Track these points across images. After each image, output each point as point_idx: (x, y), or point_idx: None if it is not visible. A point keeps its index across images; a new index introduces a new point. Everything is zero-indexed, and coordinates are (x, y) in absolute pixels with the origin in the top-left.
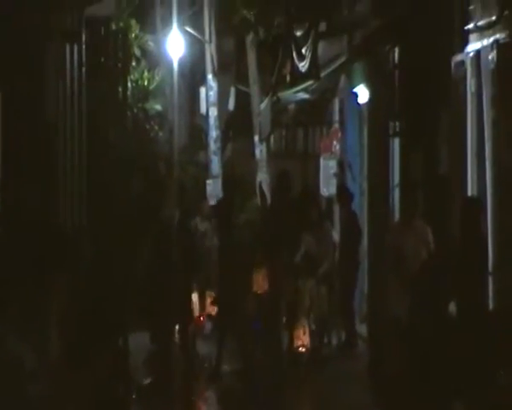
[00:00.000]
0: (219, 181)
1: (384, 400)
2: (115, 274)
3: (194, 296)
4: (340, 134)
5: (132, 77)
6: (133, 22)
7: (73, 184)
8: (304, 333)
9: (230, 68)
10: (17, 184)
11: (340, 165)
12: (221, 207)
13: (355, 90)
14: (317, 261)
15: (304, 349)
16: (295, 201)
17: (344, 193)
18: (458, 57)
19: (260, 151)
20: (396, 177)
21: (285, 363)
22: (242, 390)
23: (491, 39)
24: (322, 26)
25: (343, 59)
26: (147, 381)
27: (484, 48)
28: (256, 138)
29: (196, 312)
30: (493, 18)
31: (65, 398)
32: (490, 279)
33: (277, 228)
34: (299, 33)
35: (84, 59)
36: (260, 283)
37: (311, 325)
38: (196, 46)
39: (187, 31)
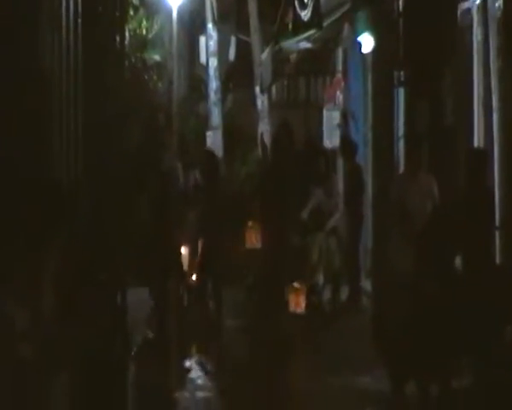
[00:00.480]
0: (220, 132)
1: (388, 356)
2: (112, 229)
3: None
4: (343, 84)
5: (130, 26)
6: None
7: (69, 137)
8: (305, 290)
9: (231, 17)
10: (11, 137)
11: (344, 116)
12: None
13: (359, 39)
14: (326, 214)
15: (304, 307)
16: (301, 152)
17: (348, 145)
18: (465, 5)
19: (262, 102)
20: (401, 128)
21: (285, 321)
22: (242, 346)
23: None
24: None
25: (346, 7)
26: (145, 337)
27: None
28: (257, 89)
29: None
30: None
31: (60, 357)
32: (496, 233)
33: (281, 181)
34: None
35: (80, 8)
36: (257, 238)
37: (319, 280)
38: None
39: None
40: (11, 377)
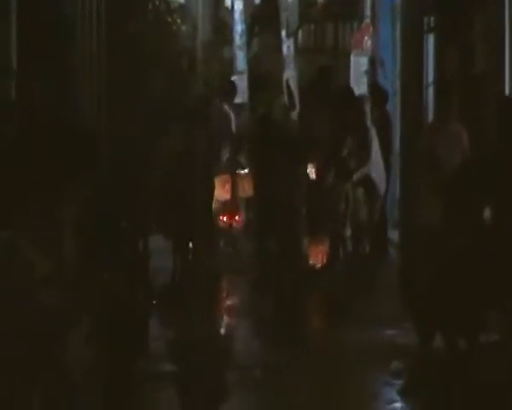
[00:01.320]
0: (245, 77)
1: (415, 309)
2: (135, 176)
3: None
4: (371, 29)
5: None
6: None
7: (92, 82)
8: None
9: None
10: (34, 82)
11: (372, 62)
12: None
13: None
14: (355, 164)
15: (326, 259)
16: (335, 99)
17: (379, 92)
18: None
19: (288, 47)
20: (430, 75)
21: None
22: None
23: None
24: None
25: None
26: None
27: None
28: (283, 33)
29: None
30: None
31: (81, 303)
32: None
33: (310, 128)
34: None
35: None
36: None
37: (346, 231)
38: None
39: None
40: (33, 322)
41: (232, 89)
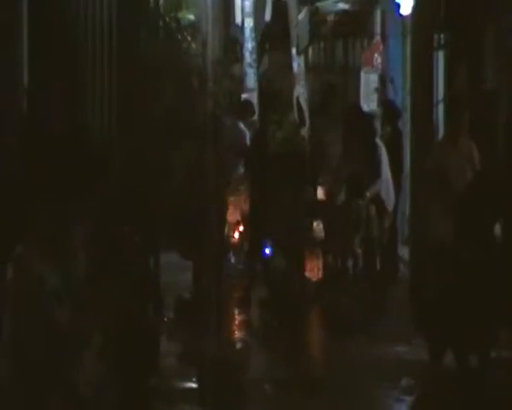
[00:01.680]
0: (255, 95)
1: (426, 325)
2: (146, 191)
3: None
4: (381, 47)
5: None
6: None
7: (102, 97)
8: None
9: None
10: (45, 97)
11: (382, 79)
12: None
13: (397, 0)
14: (367, 181)
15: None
16: (345, 116)
17: (392, 109)
18: None
19: (298, 64)
20: (440, 92)
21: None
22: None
23: None
24: None
25: None
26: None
27: None
28: (293, 51)
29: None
30: None
31: (91, 319)
32: None
33: (320, 146)
34: None
35: None
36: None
37: (357, 248)
38: None
39: None
40: (43, 337)
41: (250, 108)
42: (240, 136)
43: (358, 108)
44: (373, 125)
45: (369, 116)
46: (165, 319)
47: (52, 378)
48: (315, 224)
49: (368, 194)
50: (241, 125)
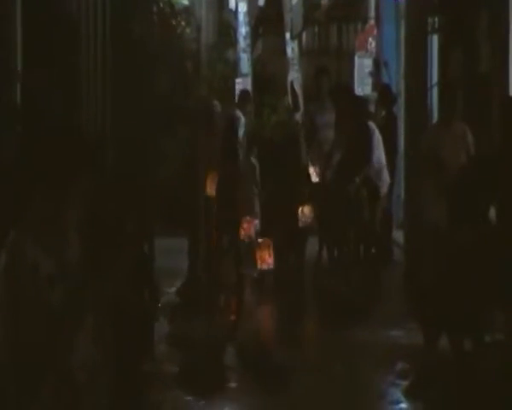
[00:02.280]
0: (249, 80)
1: (421, 309)
2: (140, 178)
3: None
4: (375, 31)
5: None
6: None
7: (96, 84)
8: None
9: None
10: (39, 84)
11: (376, 63)
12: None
13: None
14: (357, 164)
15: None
16: (338, 100)
17: (387, 93)
18: None
19: (292, 49)
20: (434, 76)
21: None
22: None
23: None
24: None
25: None
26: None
27: None
28: (287, 35)
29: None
30: None
31: (85, 304)
32: None
33: (315, 130)
34: None
35: None
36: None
37: (350, 232)
38: None
39: None
40: (38, 322)
41: (247, 97)
42: (238, 122)
43: (349, 90)
44: (365, 108)
45: (361, 99)
46: (159, 305)
47: (46, 362)
48: (305, 208)
49: (357, 178)
50: (238, 112)
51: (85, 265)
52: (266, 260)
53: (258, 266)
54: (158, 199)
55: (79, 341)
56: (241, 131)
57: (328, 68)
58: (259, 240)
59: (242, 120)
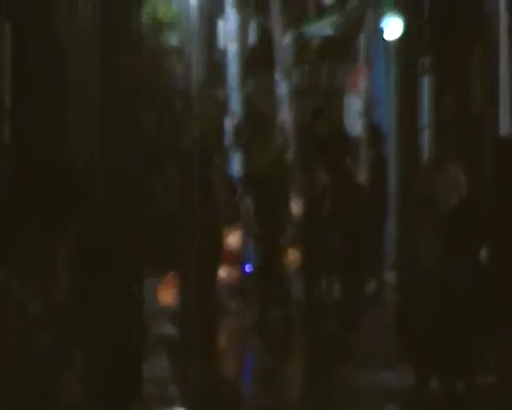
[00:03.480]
0: (238, 119)
1: (412, 351)
2: (128, 216)
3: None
4: (365, 71)
5: (146, 9)
6: None
7: (85, 121)
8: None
9: (250, 0)
10: (27, 120)
11: (366, 103)
12: None
13: (382, 25)
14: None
15: None
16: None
17: (376, 133)
18: None
19: (282, 88)
20: (426, 117)
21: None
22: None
23: None
24: None
25: None
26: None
27: None
28: (277, 75)
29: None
30: None
31: (73, 345)
32: None
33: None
34: None
35: None
36: None
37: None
38: None
39: None
40: (24, 363)
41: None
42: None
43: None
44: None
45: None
46: (149, 345)
47: (34, 402)
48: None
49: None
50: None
51: (74, 304)
52: None
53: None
54: (148, 237)
55: (67, 380)
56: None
57: (324, 110)
58: None
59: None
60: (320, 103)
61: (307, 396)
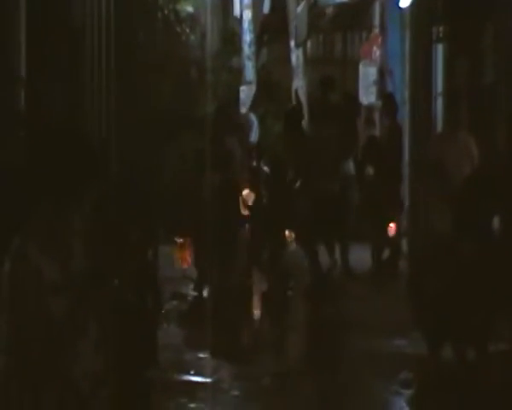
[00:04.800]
0: (253, 87)
1: (424, 319)
2: (144, 186)
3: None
4: (380, 39)
5: None
6: None
7: (101, 91)
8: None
9: None
10: (43, 89)
11: (381, 72)
12: None
13: None
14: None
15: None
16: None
17: (390, 102)
18: None
19: (296, 57)
20: (439, 85)
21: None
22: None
23: None
24: None
25: None
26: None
27: None
28: (292, 43)
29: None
30: None
31: (88, 312)
32: None
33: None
34: None
35: None
36: None
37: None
38: None
39: None
40: (41, 330)
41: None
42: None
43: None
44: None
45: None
46: (163, 312)
47: (50, 371)
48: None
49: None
50: (252, 116)
51: (89, 272)
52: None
53: None
54: (162, 206)
55: (82, 349)
56: (254, 135)
57: (334, 78)
58: None
59: (255, 123)
60: (328, 71)
61: (321, 363)
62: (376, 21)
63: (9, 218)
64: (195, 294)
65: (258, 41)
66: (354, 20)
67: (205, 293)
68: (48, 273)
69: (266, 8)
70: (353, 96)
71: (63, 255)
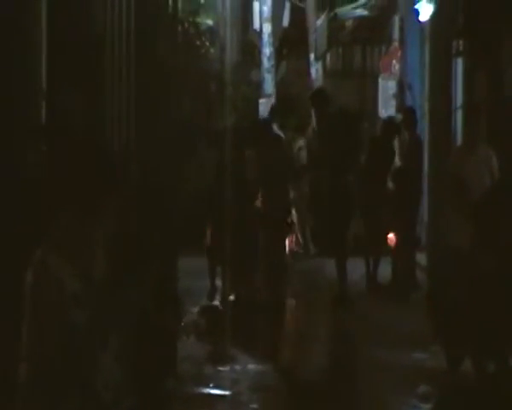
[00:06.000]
0: (272, 100)
1: (444, 332)
2: (163, 197)
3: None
4: (400, 53)
5: None
6: None
7: (121, 102)
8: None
9: None
10: (64, 102)
11: (400, 85)
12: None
13: (416, 6)
14: None
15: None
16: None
17: (410, 115)
18: None
19: (316, 70)
20: (459, 99)
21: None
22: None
23: None
24: None
25: None
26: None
27: None
28: (311, 56)
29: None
30: None
31: (109, 323)
32: None
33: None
34: None
35: None
36: None
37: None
38: None
39: None
40: (62, 340)
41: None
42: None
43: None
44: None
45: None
46: (183, 324)
47: (71, 382)
48: None
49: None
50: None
51: (111, 283)
52: None
53: None
54: (182, 218)
55: (103, 360)
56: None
57: (326, 91)
58: None
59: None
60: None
61: (340, 375)
62: (396, 35)
63: (31, 229)
64: (217, 305)
65: (278, 54)
66: (374, 33)
67: (226, 304)
68: (69, 284)
69: (286, 21)
70: (395, 125)
71: (84, 266)
